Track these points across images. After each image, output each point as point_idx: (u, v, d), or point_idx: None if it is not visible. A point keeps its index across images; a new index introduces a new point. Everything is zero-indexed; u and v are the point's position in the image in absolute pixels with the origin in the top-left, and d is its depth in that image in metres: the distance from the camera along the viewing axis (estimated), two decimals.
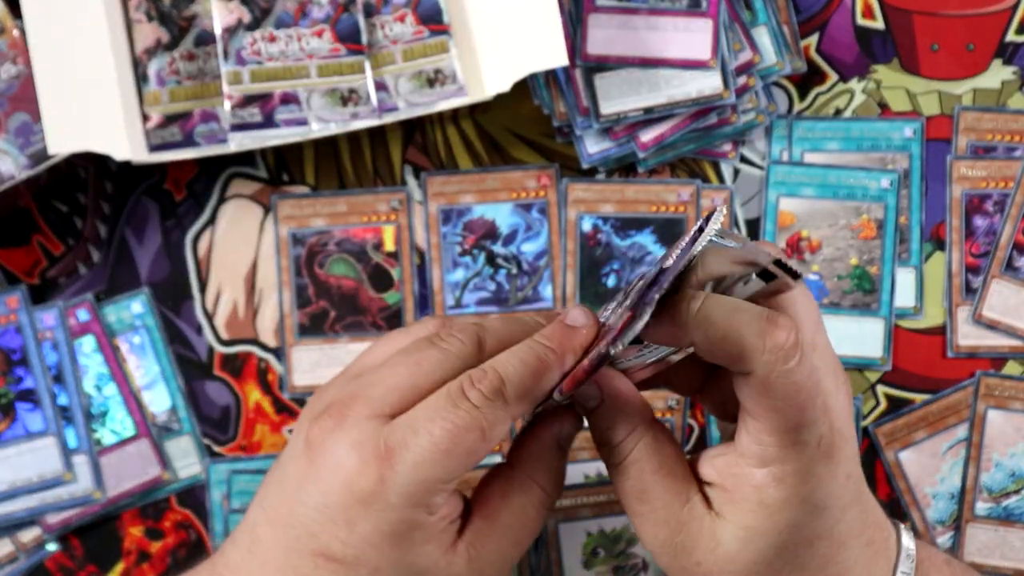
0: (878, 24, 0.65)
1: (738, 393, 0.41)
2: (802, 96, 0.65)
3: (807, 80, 0.65)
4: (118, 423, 0.63)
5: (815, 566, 0.43)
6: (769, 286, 0.41)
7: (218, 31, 0.60)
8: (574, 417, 0.47)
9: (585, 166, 0.64)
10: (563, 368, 0.44)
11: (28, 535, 0.62)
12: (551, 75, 0.63)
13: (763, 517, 0.41)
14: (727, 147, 0.64)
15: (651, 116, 0.62)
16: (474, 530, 0.44)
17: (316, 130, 0.60)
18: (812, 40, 0.65)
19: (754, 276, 0.41)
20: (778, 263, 0.40)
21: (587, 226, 0.64)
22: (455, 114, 0.65)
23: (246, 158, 0.64)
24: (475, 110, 0.65)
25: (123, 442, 0.63)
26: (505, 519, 0.45)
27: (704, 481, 0.44)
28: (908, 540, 0.47)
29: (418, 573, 0.43)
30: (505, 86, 0.58)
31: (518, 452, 0.47)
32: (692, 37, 0.62)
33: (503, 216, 0.64)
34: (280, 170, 0.65)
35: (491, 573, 0.44)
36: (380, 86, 0.61)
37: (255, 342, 0.64)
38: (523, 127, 0.65)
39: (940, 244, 0.64)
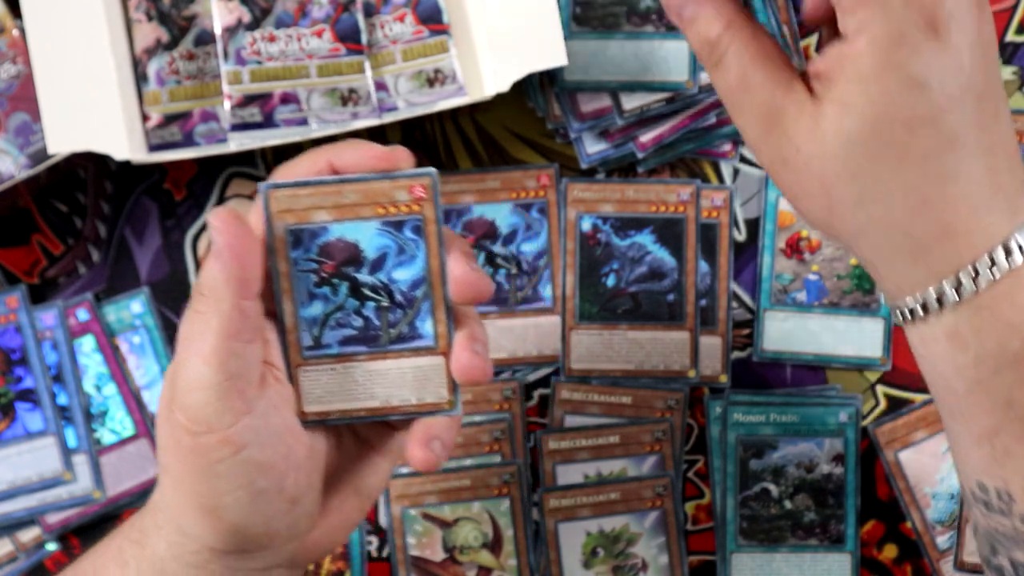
0: None
1: None
2: None
3: None
4: (118, 423, 0.63)
5: (915, 155, 0.41)
6: None
7: (218, 31, 0.60)
8: None
9: (585, 166, 0.64)
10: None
11: (28, 535, 0.62)
12: (544, 77, 0.63)
13: (858, 89, 0.41)
14: (727, 147, 0.64)
15: (649, 115, 0.62)
16: None
17: (316, 130, 0.60)
18: (812, 40, 0.65)
19: None
20: None
21: (587, 226, 0.64)
22: (455, 114, 0.65)
23: (246, 158, 0.64)
24: (475, 110, 0.65)
25: (123, 442, 0.63)
26: None
27: (811, 76, 0.43)
28: None
29: None
30: (505, 86, 0.58)
31: None
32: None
33: (503, 216, 0.64)
34: None
35: None
36: (380, 86, 0.61)
37: None
38: (523, 127, 0.65)
39: None
